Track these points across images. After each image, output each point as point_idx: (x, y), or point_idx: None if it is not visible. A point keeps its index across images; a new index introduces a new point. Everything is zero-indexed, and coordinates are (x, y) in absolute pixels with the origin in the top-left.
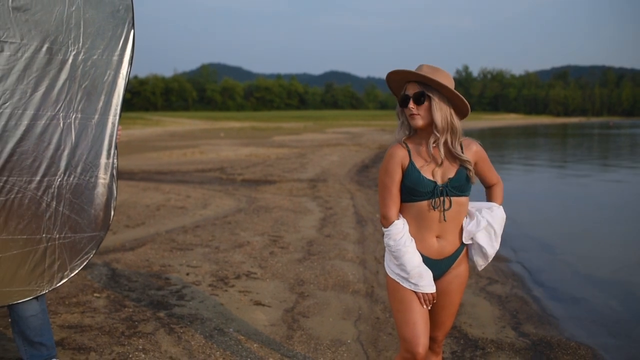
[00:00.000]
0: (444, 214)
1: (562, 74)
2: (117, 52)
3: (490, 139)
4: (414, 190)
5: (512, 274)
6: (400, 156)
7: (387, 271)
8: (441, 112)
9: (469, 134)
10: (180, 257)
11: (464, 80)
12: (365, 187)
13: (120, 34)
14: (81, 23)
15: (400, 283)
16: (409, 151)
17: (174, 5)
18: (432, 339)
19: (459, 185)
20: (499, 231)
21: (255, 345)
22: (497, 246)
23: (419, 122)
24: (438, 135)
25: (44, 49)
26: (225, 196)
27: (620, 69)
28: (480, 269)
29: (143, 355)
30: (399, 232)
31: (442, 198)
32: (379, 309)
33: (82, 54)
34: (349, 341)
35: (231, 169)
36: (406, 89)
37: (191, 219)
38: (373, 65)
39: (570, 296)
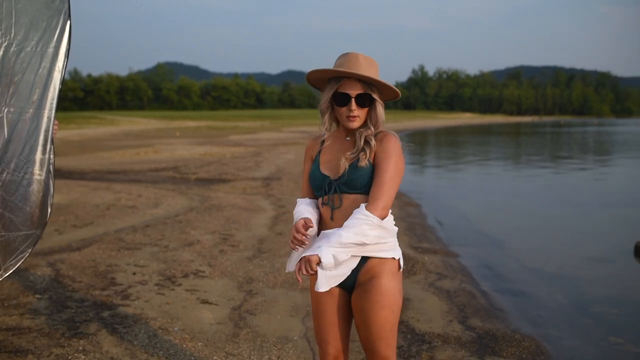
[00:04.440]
0: (331, 212)
1: (515, 74)
2: (53, 44)
3: (446, 137)
4: (312, 185)
5: (461, 269)
6: (312, 149)
7: None
8: (382, 109)
9: (423, 132)
10: (127, 256)
11: (419, 79)
12: None
13: (55, 26)
14: (13, 13)
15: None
16: (322, 145)
17: (129, 3)
18: None
19: (348, 181)
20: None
21: (199, 344)
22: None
23: (357, 124)
24: (372, 129)
25: None
26: (178, 195)
27: (570, 69)
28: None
29: (83, 357)
30: (294, 219)
31: (330, 195)
32: None
33: (14, 45)
34: (295, 338)
35: (185, 168)
36: (343, 87)
37: (141, 218)
38: (331, 64)
39: (517, 290)
